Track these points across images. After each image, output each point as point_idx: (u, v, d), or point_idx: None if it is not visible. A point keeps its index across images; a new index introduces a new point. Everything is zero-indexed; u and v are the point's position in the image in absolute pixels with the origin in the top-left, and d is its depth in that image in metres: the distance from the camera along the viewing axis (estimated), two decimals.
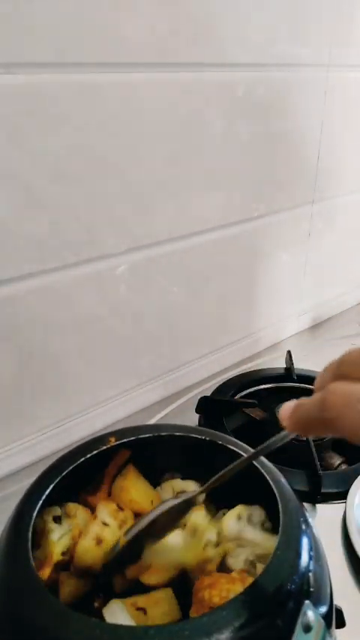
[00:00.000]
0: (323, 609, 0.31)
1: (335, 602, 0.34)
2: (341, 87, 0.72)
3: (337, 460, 0.58)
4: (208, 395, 0.67)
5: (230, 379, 0.72)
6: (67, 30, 0.45)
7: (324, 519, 0.51)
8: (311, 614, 0.29)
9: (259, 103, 0.62)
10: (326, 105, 0.71)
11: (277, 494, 0.37)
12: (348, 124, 0.77)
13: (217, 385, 0.71)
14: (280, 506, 0.35)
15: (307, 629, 0.29)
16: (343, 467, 0.57)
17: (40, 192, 0.48)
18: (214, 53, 0.56)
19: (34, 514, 0.35)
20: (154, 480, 0.46)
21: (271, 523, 0.40)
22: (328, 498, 0.52)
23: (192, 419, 0.65)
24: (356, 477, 0.53)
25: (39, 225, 0.49)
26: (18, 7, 0.41)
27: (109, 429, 0.66)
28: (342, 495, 0.52)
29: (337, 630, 0.34)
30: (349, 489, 0.52)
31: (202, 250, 0.66)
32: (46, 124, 0.46)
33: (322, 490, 0.52)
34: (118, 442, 0.42)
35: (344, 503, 0.51)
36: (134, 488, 0.43)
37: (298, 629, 0.28)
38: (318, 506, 0.53)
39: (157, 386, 0.70)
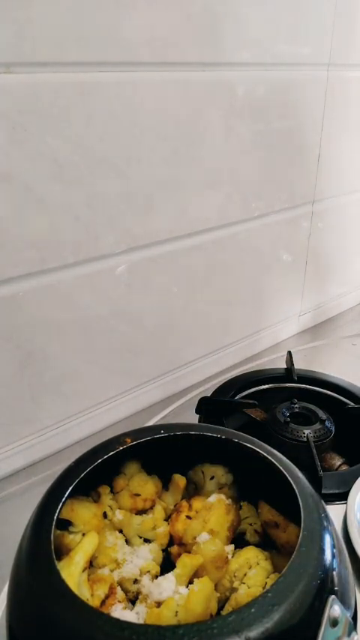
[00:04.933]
0: (348, 610, 0.31)
1: None
2: (341, 87, 0.72)
3: (337, 461, 0.58)
4: (208, 395, 0.67)
5: (230, 379, 0.72)
6: (67, 30, 0.45)
7: None
8: (337, 608, 0.29)
9: (259, 102, 0.62)
10: (326, 105, 0.71)
11: (296, 491, 0.37)
12: (348, 124, 0.77)
13: (218, 386, 0.71)
14: (300, 502, 0.36)
15: (334, 623, 0.29)
16: (344, 468, 0.57)
17: (40, 192, 0.48)
18: (214, 52, 0.55)
19: (56, 515, 0.35)
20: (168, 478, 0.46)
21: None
22: (328, 499, 0.52)
23: (192, 419, 0.65)
24: (357, 478, 0.53)
25: (39, 225, 0.49)
26: (18, 7, 0.41)
27: (109, 430, 0.66)
28: (343, 496, 0.52)
29: None
30: (349, 490, 0.52)
31: (202, 250, 0.66)
32: (46, 124, 0.46)
33: (323, 491, 0.52)
34: (134, 442, 0.42)
35: (345, 505, 0.51)
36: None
37: (325, 623, 0.28)
38: None
39: (157, 386, 0.70)
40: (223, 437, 0.43)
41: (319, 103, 0.70)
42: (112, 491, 0.45)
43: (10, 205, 0.47)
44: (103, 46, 0.47)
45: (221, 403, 0.65)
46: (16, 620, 0.32)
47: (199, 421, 0.65)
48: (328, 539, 0.34)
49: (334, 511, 0.51)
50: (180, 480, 0.46)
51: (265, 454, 0.41)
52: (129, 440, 0.42)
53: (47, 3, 0.43)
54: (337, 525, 0.50)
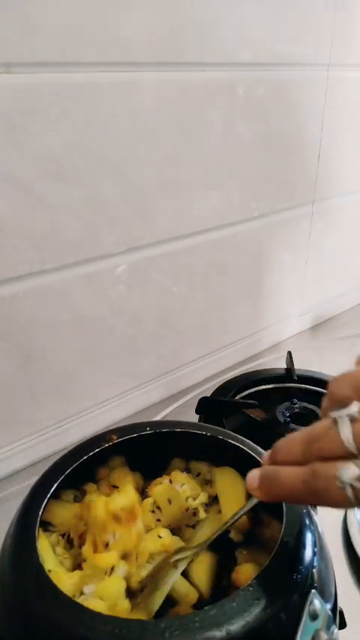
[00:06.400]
0: (328, 604, 0.31)
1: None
2: (341, 87, 0.72)
3: None
4: (208, 395, 0.67)
5: (230, 380, 0.72)
6: (67, 30, 0.45)
7: (324, 521, 0.51)
8: (317, 602, 0.29)
9: (259, 102, 0.62)
10: (326, 105, 0.71)
11: None
12: (348, 124, 0.77)
13: (218, 386, 0.71)
14: None
15: (314, 617, 0.29)
16: None
17: (40, 192, 0.48)
18: (214, 53, 0.55)
19: (40, 512, 0.35)
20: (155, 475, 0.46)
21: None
22: None
23: (192, 419, 0.65)
24: None
25: (39, 225, 0.49)
26: (18, 6, 0.41)
27: None
28: None
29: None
30: None
31: (202, 250, 0.66)
32: (46, 124, 0.46)
33: None
34: (119, 439, 0.42)
35: None
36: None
37: (305, 617, 0.28)
38: (319, 507, 0.52)
39: (157, 386, 0.70)
40: (208, 434, 0.43)
41: (319, 103, 0.70)
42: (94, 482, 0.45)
43: (10, 205, 0.47)
44: (103, 46, 0.47)
45: (221, 403, 0.65)
46: (0, 616, 0.32)
47: (199, 421, 0.65)
48: (309, 534, 0.34)
49: (334, 511, 0.51)
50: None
51: (250, 451, 0.41)
52: (115, 437, 0.43)
53: (47, 3, 0.43)
54: (337, 525, 0.50)
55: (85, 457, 0.41)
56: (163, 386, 0.71)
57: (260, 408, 0.64)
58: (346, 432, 0.24)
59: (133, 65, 0.50)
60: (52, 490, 0.37)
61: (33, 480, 0.54)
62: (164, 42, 0.51)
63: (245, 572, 0.36)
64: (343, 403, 0.26)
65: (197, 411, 0.65)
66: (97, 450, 0.41)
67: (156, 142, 0.54)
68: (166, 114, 0.54)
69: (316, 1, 0.63)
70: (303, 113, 0.69)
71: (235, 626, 0.27)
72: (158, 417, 0.68)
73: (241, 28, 0.57)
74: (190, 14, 0.52)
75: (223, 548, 0.41)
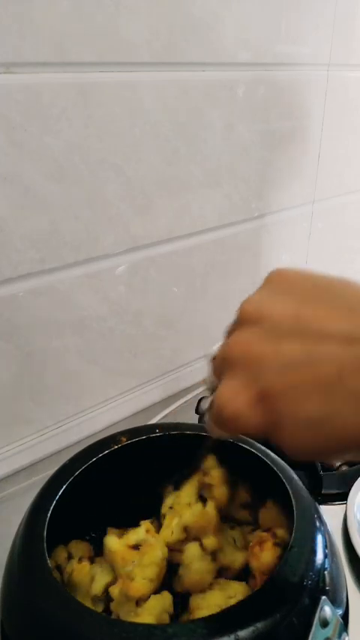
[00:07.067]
0: (339, 610, 0.31)
1: None
2: (341, 87, 0.72)
3: (338, 461, 0.58)
4: (208, 395, 0.67)
5: None
6: (67, 30, 0.45)
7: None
8: (328, 609, 0.29)
9: (259, 102, 0.62)
10: (326, 105, 0.71)
11: (290, 492, 0.37)
12: (348, 124, 0.77)
13: None
14: (293, 503, 0.36)
15: (325, 624, 0.29)
16: (344, 468, 0.57)
17: (40, 192, 0.48)
18: (214, 53, 0.55)
19: (49, 514, 0.35)
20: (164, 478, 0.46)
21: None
22: (328, 499, 0.52)
23: (192, 419, 0.65)
24: (357, 478, 0.53)
25: (39, 225, 0.49)
26: (18, 6, 0.41)
27: (109, 430, 0.66)
28: (343, 496, 0.52)
29: None
30: (349, 490, 0.52)
31: (202, 250, 0.66)
32: (46, 124, 0.46)
33: (323, 491, 0.52)
34: (128, 441, 0.42)
35: (345, 505, 0.51)
36: None
37: (316, 624, 0.28)
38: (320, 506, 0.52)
39: (156, 386, 0.70)
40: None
41: (319, 103, 0.70)
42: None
43: (10, 205, 0.47)
44: (103, 46, 0.47)
45: None
46: (8, 617, 0.32)
47: (199, 421, 0.65)
48: (320, 539, 0.34)
49: (334, 511, 0.51)
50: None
51: (260, 454, 0.41)
52: (124, 439, 0.43)
53: (47, 3, 0.43)
54: (337, 525, 0.50)
55: (94, 458, 0.41)
56: (163, 386, 0.71)
57: None
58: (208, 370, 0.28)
59: (133, 65, 0.50)
60: (60, 492, 0.37)
61: (33, 479, 0.54)
62: (164, 42, 0.51)
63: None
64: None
65: (197, 411, 0.64)
66: (107, 451, 0.41)
67: (156, 142, 0.54)
68: (166, 114, 0.54)
69: (316, 1, 0.63)
70: (303, 113, 0.69)
71: (244, 631, 0.27)
72: (158, 417, 0.68)
73: (241, 28, 0.57)
74: (190, 14, 0.52)
75: None
